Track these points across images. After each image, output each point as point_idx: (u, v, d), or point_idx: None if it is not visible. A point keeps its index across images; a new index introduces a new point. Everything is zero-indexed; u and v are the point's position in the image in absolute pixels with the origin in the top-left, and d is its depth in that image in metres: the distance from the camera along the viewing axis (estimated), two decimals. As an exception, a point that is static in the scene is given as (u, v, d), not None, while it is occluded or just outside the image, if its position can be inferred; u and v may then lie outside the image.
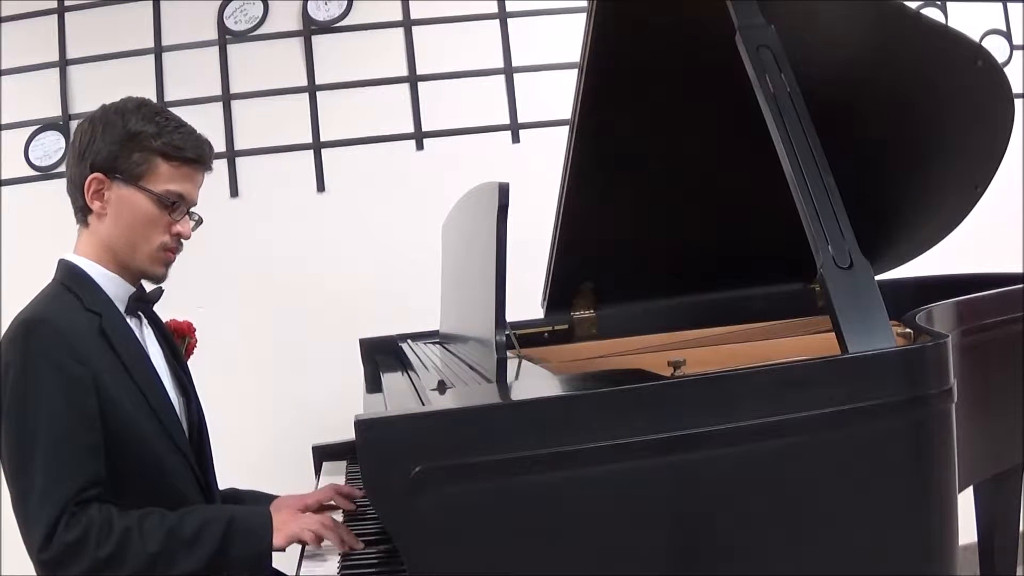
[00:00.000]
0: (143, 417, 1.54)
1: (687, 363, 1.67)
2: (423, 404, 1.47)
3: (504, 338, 1.52)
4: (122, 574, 1.42)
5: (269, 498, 1.81)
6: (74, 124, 3.03)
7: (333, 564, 1.50)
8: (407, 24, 3.20)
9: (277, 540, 1.50)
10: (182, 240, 1.65)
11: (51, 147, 3.08)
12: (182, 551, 1.44)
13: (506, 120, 3.21)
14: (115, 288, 1.61)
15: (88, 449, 1.46)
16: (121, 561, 1.42)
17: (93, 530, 1.42)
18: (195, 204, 1.66)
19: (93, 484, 1.45)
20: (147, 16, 3.12)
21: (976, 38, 2.82)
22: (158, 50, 3.11)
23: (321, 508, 1.72)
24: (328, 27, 3.16)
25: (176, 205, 1.62)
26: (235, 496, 1.81)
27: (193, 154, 1.62)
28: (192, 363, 1.81)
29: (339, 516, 1.69)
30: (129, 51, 3.10)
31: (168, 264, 1.65)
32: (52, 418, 1.44)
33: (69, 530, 1.41)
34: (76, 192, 1.61)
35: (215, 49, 3.14)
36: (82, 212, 1.62)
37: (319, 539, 1.52)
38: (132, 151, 1.58)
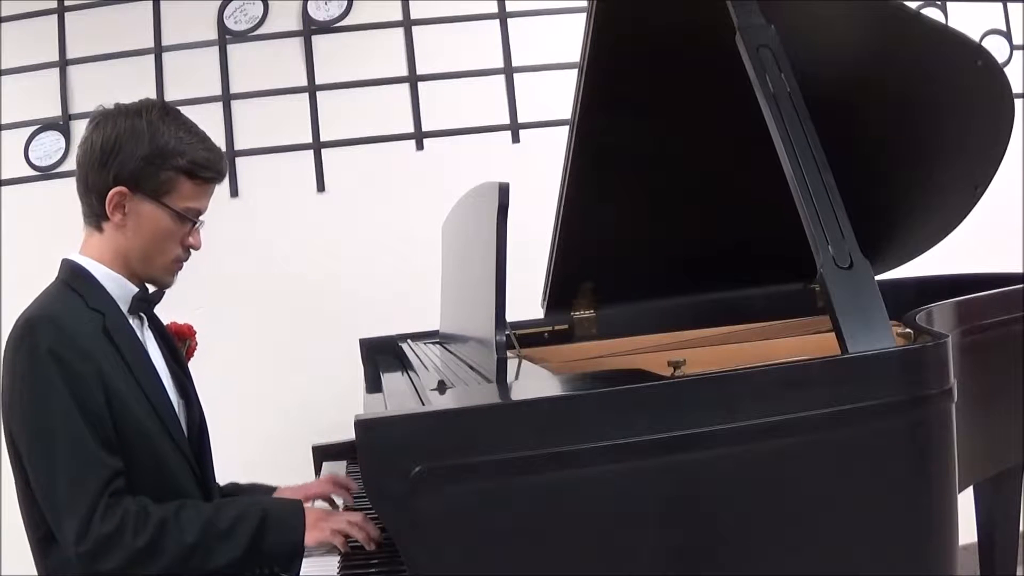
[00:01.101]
0: (144, 415, 1.55)
1: (687, 363, 1.66)
2: (423, 404, 1.46)
3: (504, 338, 1.52)
4: (159, 566, 1.42)
5: (270, 490, 1.83)
6: (74, 124, 3.04)
7: (334, 564, 1.50)
8: (407, 24, 3.20)
9: (308, 539, 1.51)
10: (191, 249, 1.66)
11: (51, 147, 3.08)
12: (218, 543, 1.45)
13: (506, 120, 3.21)
14: (118, 288, 1.61)
15: (105, 443, 1.47)
16: (159, 552, 1.43)
17: (129, 521, 1.42)
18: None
19: (117, 475, 1.46)
20: (147, 16, 3.12)
21: (976, 38, 2.82)
22: (158, 50, 3.12)
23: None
24: (328, 27, 3.16)
25: (194, 221, 1.63)
26: (236, 490, 1.83)
27: (215, 172, 1.63)
28: (192, 363, 1.81)
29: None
30: (129, 51, 3.10)
31: (177, 273, 1.67)
32: (67, 415, 1.45)
33: (105, 521, 1.42)
34: (93, 198, 1.59)
35: (215, 49, 3.14)
36: (97, 218, 1.60)
37: (347, 541, 1.52)
38: (159, 169, 1.57)
